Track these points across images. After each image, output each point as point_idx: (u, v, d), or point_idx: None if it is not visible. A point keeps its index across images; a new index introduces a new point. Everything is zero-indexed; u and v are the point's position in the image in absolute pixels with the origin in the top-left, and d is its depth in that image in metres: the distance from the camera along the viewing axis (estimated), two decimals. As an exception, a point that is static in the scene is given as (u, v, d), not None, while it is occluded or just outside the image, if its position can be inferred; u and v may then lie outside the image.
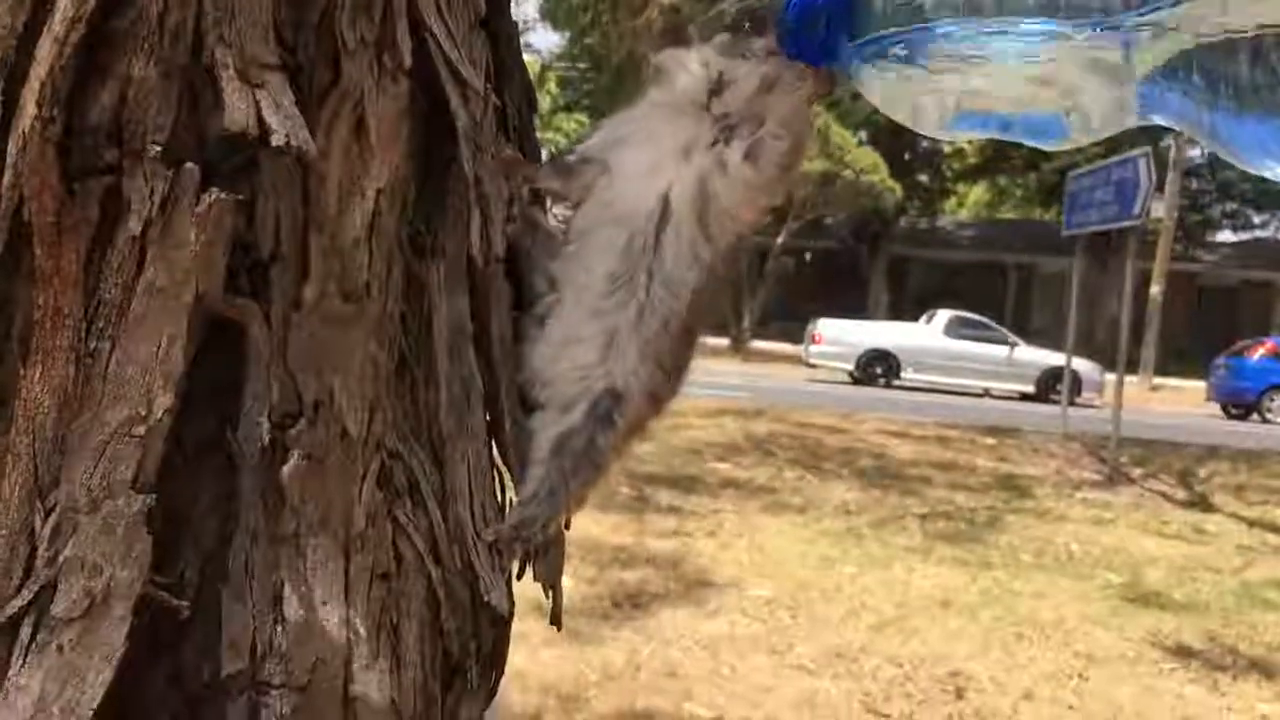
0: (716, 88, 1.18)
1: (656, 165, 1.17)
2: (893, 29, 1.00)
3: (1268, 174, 0.82)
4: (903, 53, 1.00)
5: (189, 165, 0.90)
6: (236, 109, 0.91)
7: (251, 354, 0.95)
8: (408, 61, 1.03)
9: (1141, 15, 0.84)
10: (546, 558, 1.21)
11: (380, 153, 1.02)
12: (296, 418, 0.97)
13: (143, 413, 0.90)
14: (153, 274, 0.89)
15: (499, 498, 1.19)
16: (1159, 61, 0.85)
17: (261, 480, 0.95)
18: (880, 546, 7.38)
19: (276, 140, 0.91)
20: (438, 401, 1.09)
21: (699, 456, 10.10)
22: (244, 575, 0.95)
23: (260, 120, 0.92)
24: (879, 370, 20.92)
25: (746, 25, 1.20)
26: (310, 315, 0.98)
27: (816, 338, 21.40)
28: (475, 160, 1.09)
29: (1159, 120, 0.90)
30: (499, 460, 1.19)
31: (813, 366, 21.48)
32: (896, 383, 20.79)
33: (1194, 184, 31.71)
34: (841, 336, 21.22)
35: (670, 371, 1.20)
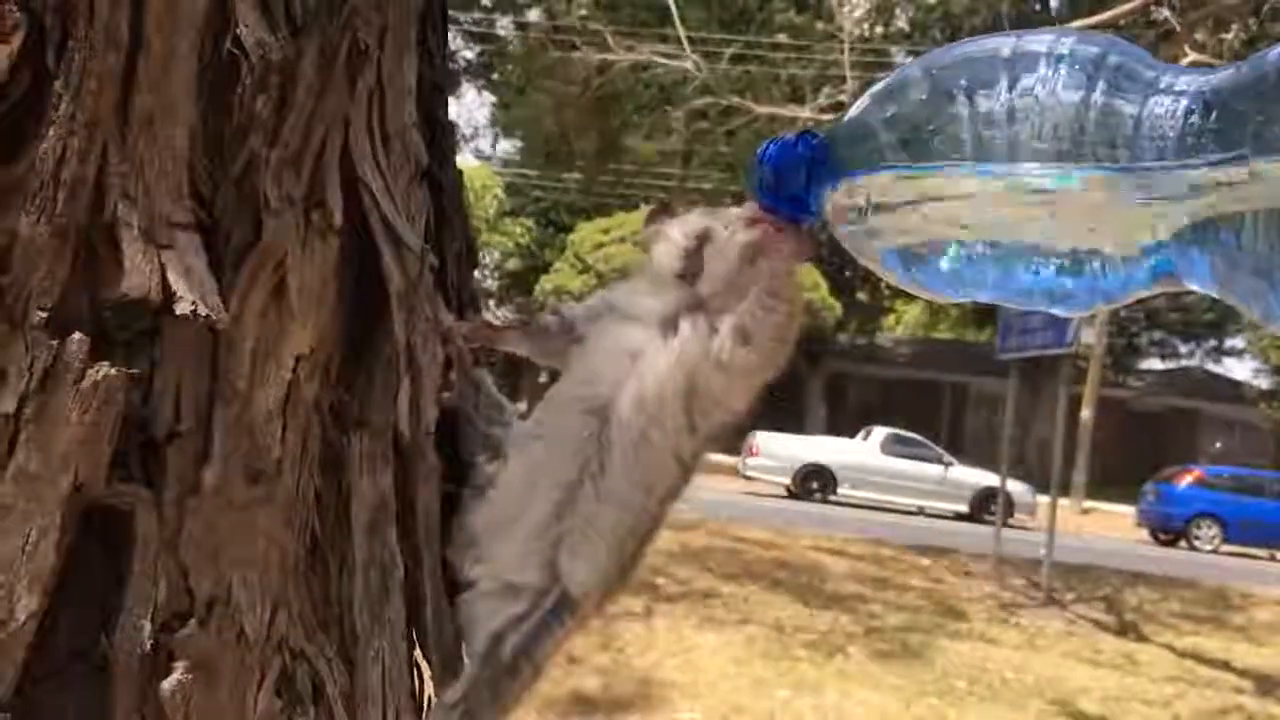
0: (696, 259, 1.07)
1: (637, 351, 1.06)
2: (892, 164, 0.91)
3: None
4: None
5: (77, 336, 0.79)
6: (138, 272, 0.81)
7: (137, 547, 0.83)
8: (338, 220, 0.94)
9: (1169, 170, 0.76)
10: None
11: (302, 316, 0.92)
12: (186, 618, 0.85)
13: (2, 617, 0.77)
14: (24, 458, 0.78)
15: (417, 697, 1.06)
16: (1191, 218, 0.77)
17: (138, 694, 0.82)
18: (814, 669, 7.23)
19: (182, 308, 0.81)
20: (352, 591, 0.98)
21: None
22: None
23: (165, 285, 0.82)
24: (815, 485, 20.84)
25: (727, 201, 1.12)
26: (210, 501, 0.87)
27: (753, 450, 21.29)
28: (408, 325, 1.00)
29: (1191, 286, 0.82)
30: (418, 653, 1.06)
31: (748, 479, 21.37)
32: (832, 498, 20.73)
33: (1122, 312, 32.58)
34: (778, 450, 21.15)
35: (627, 569, 1.09)
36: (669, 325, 1.07)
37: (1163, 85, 0.79)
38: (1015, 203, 0.83)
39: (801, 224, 1.03)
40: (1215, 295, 0.79)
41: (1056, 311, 0.89)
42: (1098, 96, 0.80)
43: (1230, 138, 0.73)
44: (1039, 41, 0.84)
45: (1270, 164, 0.70)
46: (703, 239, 1.08)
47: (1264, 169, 0.70)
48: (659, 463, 1.05)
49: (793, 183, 1.00)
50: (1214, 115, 0.74)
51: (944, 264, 0.90)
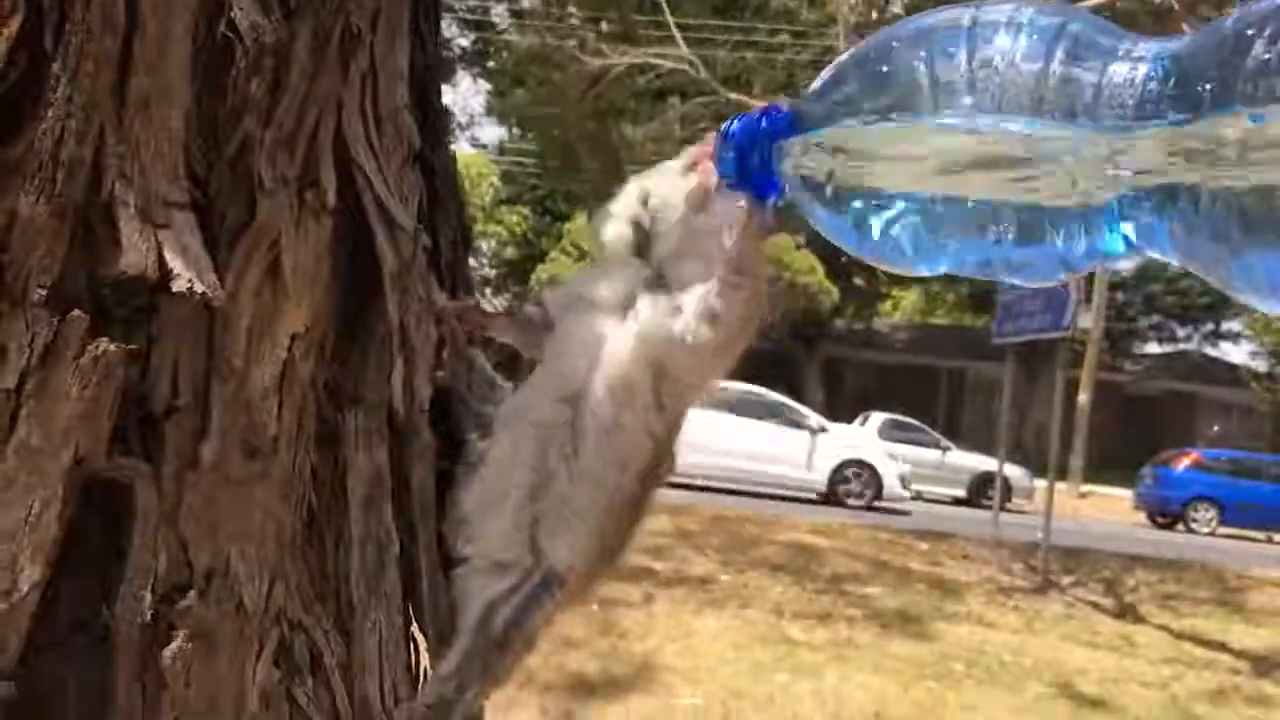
0: (641, 227, 1.07)
1: (602, 338, 1.07)
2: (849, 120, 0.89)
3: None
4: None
5: (76, 313, 0.81)
6: (135, 250, 0.83)
7: (137, 520, 0.85)
8: (332, 201, 0.95)
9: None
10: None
11: (297, 295, 0.94)
12: (185, 590, 0.87)
13: (5, 588, 0.79)
14: (26, 432, 0.79)
15: (413, 669, 1.09)
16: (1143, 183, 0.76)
17: (139, 664, 0.84)
18: (812, 652, 7.26)
19: (179, 285, 0.83)
20: (348, 564, 1.00)
21: (633, 552, 9.91)
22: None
23: (162, 263, 0.83)
24: (813, 469, 20.92)
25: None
26: (208, 475, 0.88)
27: (752, 435, 21.33)
28: (401, 305, 1.02)
29: (1154, 255, 0.81)
30: (414, 625, 1.09)
31: (747, 464, 21.39)
32: (831, 482, 20.80)
33: (1120, 296, 32.56)
34: (777, 436, 21.21)
35: (613, 547, 1.11)
36: (629, 308, 1.07)
37: (1121, 53, 0.78)
38: (968, 159, 0.83)
39: (766, 199, 1.02)
40: (1178, 264, 0.79)
41: (1017, 281, 0.88)
42: (1056, 65, 0.79)
43: (1188, 102, 0.73)
44: (998, 11, 0.84)
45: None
46: (644, 202, 1.07)
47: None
48: (633, 442, 1.07)
49: (757, 158, 0.99)
50: (1172, 81, 0.74)
51: (898, 230, 0.89)
